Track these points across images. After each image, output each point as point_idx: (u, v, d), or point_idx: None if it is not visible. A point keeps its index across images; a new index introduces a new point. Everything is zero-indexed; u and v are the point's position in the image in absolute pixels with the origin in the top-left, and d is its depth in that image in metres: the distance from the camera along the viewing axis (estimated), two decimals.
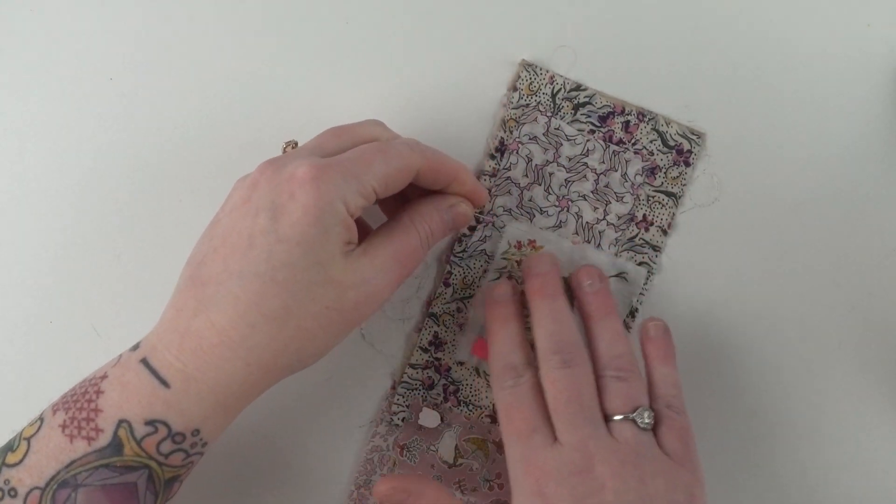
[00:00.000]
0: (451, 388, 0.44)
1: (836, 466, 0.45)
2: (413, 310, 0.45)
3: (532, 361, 0.40)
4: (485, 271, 0.44)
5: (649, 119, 0.44)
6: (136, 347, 0.36)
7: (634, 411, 0.38)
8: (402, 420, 0.44)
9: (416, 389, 0.44)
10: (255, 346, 0.34)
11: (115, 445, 0.33)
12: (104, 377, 0.35)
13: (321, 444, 0.44)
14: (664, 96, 0.45)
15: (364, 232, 0.39)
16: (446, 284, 0.44)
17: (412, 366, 0.44)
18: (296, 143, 0.40)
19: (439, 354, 0.44)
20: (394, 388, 0.44)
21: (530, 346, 0.41)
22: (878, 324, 0.46)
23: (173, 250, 0.44)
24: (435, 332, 0.44)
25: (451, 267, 0.44)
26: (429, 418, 0.44)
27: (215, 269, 0.34)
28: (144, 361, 0.35)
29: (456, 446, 0.44)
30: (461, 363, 0.44)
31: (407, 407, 0.44)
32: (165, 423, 0.34)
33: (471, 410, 0.44)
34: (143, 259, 0.44)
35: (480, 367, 0.44)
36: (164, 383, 0.34)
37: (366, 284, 0.35)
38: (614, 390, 0.39)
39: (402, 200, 0.41)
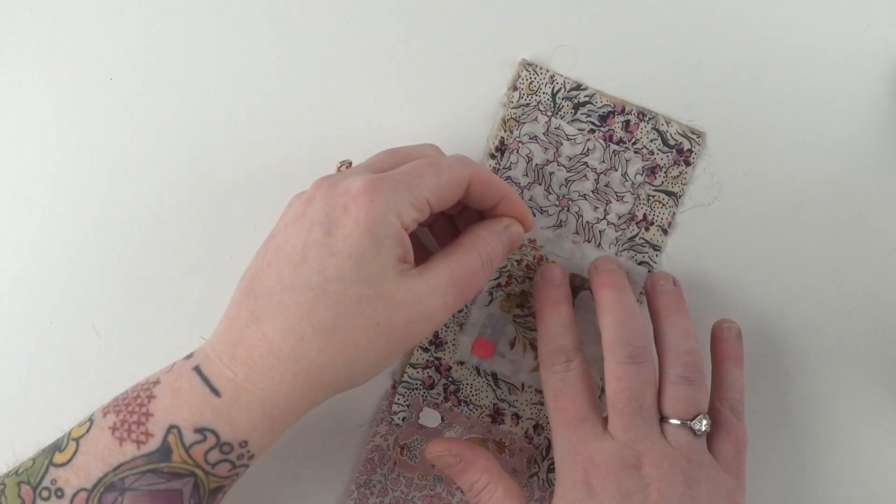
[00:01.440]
0: (452, 387, 0.44)
1: (836, 466, 0.45)
2: None
3: (581, 347, 0.41)
4: None
5: (649, 118, 0.44)
6: (190, 356, 0.36)
7: (694, 418, 0.38)
8: (403, 420, 0.44)
9: (416, 389, 0.44)
10: (303, 358, 0.34)
11: (164, 451, 0.33)
12: (157, 382, 0.35)
13: (322, 444, 0.44)
14: (664, 96, 0.45)
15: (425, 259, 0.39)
16: None
17: (412, 365, 0.44)
18: (350, 163, 0.40)
19: (440, 354, 0.44)
20: (394, 387, 0.44)
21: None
22: (878, 324, 0.46)
23: (173, 250, 0.44)
24: (435, 331, 0.44)
25: None
26: (429, 418, 0.44)
27: (269, 281, 0.35)
28: (197, 369, 0.35)
29: None
30: (462, 363, 0.44)
31: (407, 406, 0.44)
32: (214, 432, 0.34)
33: (471, 410, 0.44)
34: (143, 259, 0.44)
35: (481, 367, 0.44)
36: (216, 392, 0.34)
37: (419, 304, 0.35)
38: (679, 394, 0.39)
39: (454, 230, 0.42)
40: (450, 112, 0.45)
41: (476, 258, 0.38)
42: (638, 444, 0.38)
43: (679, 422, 0.38)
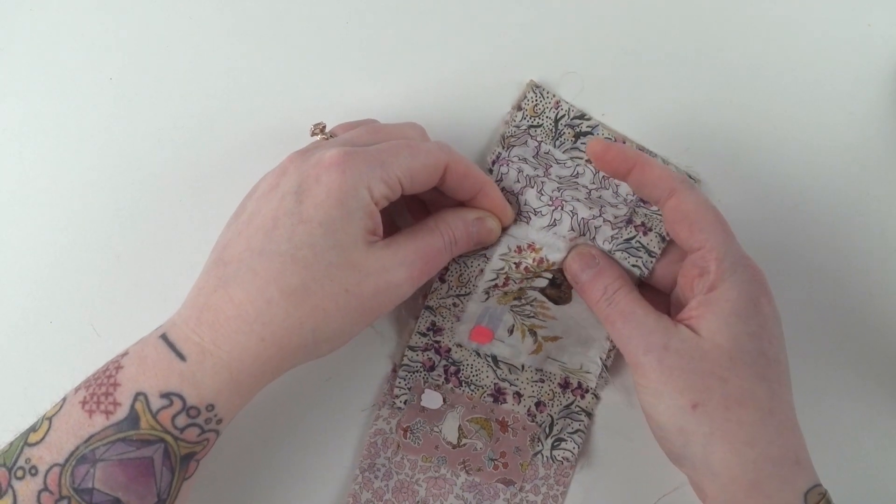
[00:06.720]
0: (452, 368, 0.44)
1: (836, 466, 0.45)
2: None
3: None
4: (481, 271, 0.43)
5: None
6: (159, 328, 0.36)
7: None
8: (405, 402, 0.44)
9: (417, 372, 0.44)
10: (271, 321, 0.34)
11: (132, 418, 0.34)
12: (125, 354, 0.35)
13: (324, 429, 0.45)
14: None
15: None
16: (441, 280, 0.44)
17: (411, 348, 0.44)
18: (324, 126, 0.40)
19: (438, 338, 0.44)
20: (395, 370, 0.45)
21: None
22: (878, 324, 0.46)
23: (173, 250, 0.44)
24: (432, 320, 0.44)
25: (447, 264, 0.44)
26: (431, 400, 0.44)
27: (238, 248, 0.35)
28: (164, 337, 0.35)
29: (459, 427, 0.44)
30: (460, 345, 0.44)
31: (409, 389, 0.44)
32: (180, 396, 0.34)
33: (473, 390, 0.45)
34: (143, 259, 0.45)
35: (480, 350, 0.45)
36: (181, 356, 0.34)
37: (386, 273, 0.36)
38: None
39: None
40: (453, 127, 0.45)
41: (439, 238, 0.39)
42: None
43: None
